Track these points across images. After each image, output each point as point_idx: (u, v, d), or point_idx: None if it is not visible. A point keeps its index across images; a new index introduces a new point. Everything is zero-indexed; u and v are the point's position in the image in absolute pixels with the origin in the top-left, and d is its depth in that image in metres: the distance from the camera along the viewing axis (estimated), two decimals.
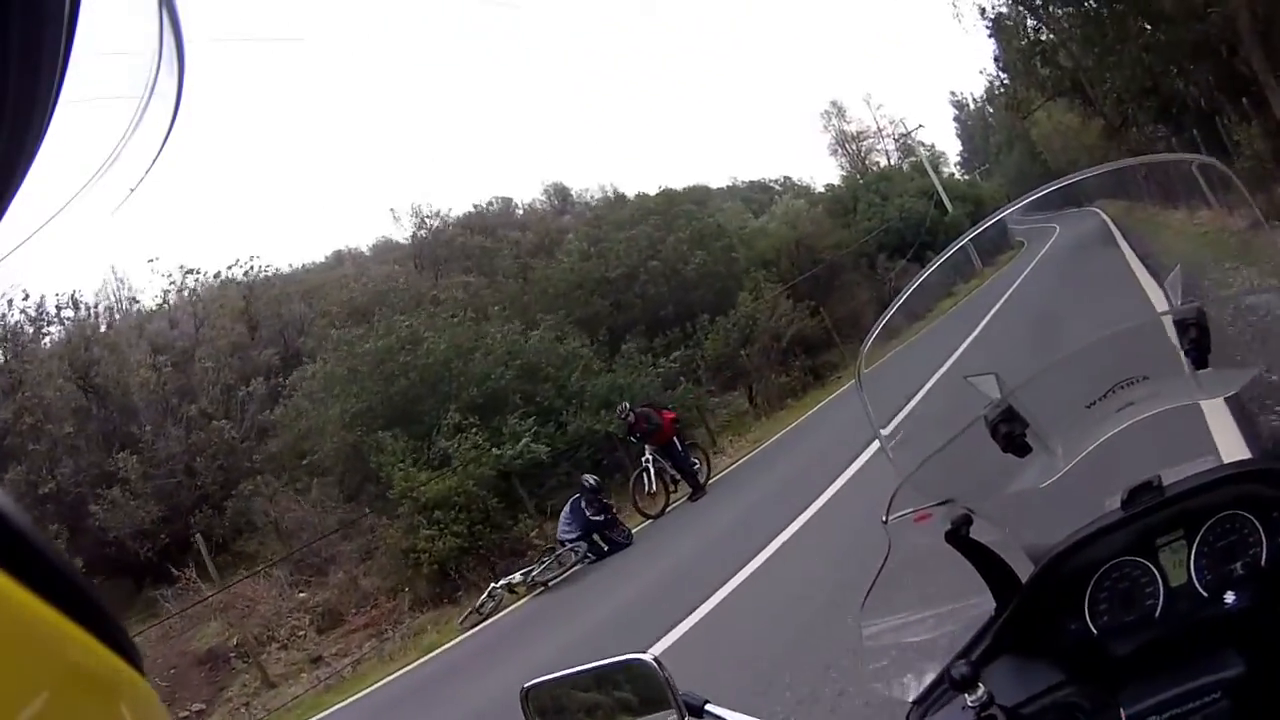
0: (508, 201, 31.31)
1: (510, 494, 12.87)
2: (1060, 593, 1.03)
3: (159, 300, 18.09)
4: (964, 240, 1.49)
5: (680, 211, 22.66)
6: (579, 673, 1.12)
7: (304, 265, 26.68)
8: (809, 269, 22.18)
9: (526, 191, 44.92)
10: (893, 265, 23.39)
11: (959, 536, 1.06)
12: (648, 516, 11.53)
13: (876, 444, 1.20)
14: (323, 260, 27.34)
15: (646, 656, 1.05)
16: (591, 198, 31.66)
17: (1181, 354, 1.01)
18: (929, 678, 1.05)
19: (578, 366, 15.62)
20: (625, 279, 20.10)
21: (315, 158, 47.11)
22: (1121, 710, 0.90)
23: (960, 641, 1.06)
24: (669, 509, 11.69)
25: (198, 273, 18.25)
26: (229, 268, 19.44)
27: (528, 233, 27.09)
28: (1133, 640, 0.98)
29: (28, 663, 0.26)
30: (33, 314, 14.84)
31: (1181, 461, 1.07)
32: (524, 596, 10.01)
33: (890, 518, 1.07)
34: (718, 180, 37.24)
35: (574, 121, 50.16)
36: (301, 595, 11.38)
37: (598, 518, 10.54)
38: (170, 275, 18.81)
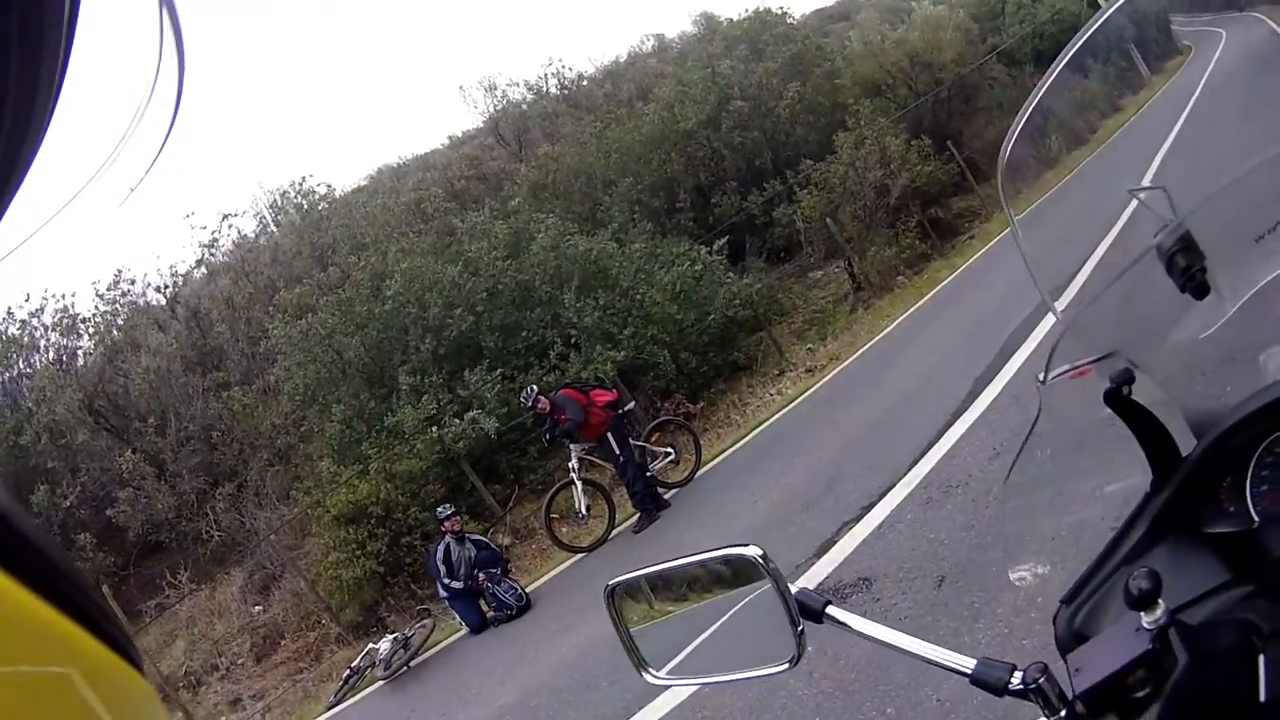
0: (660, 38, 27.39)
1: (463, 486, 10.07)
2: (1224, 470, 0.87)
3: (197, 258, 17.05)
4: (1091, 28, 1.03)
5: (774, 35, 17.96)
6: (671, 568, 0.98)
7: (370, 174, 23.33)
8: (931, 92, 16.91)
9: (676, 26, 37.93)
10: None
11: (1119, 397, 0.88)
12: (573, 550, 7.95)
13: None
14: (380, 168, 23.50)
15: (750, 551, 0.86)
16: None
17: None
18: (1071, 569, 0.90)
19: (574, 275, 11.62)
20: (707, 126, 15.86)
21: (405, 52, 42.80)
22: None
23: (1108, 526, 0.90)
24: (612, 536, 7.92)
25: (236, 215, 17.18)
26: (281, 194, 18.24)
27: (625, 84, 21.87)
28: None
29: (26, 662, 0.26)
30: (50, 322, 14.29)
31: None
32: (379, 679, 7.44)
33: (1050, 376, 0.89)
34: None
35: None
36: (256, 609, 10.25)
37: (461, 573, 7.35)
38: (208, 228, 17.59)
